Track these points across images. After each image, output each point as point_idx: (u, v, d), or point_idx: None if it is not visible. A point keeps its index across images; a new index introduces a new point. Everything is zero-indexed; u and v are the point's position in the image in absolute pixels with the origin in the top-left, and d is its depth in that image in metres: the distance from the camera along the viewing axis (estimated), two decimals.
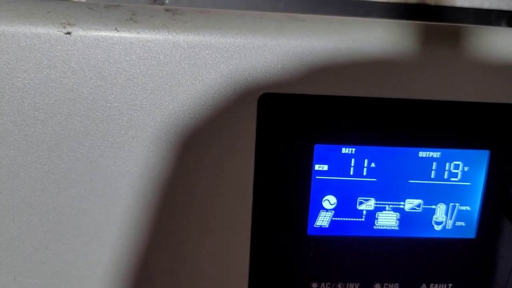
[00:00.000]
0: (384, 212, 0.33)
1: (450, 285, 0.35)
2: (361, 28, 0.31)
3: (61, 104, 0.29)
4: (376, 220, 0.33)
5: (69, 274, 0.32)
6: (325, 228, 0.33)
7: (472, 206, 0.33)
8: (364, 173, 0.32)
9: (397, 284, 0.34)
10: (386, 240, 0.33)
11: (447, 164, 0.33)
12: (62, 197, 0.30)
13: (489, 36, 0.32)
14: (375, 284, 0.34)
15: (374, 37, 0.30)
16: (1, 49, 0.28)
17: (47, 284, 0.32)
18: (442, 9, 0.47)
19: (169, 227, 0.31)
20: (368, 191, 0.33)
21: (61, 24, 0.29)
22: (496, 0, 0.45)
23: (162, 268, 0.32)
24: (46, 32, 0.28)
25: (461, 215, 0.33)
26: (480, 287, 0.35)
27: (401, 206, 0.33)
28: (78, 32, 0.29)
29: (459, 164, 0.33)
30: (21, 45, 0.28)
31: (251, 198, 0.31)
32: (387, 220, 0.33)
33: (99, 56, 0.29)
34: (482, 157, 0.33)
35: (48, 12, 0.29)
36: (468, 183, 0.33)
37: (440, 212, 0.33)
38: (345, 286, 0.34)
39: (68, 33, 0.29)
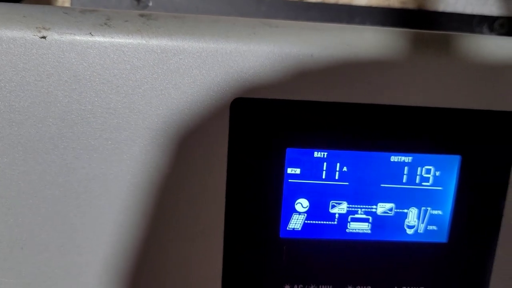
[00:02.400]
0: (356, 215, 0.33)
1: None
2: (333, 35, 0.31)
3: (36, 107, 0.30)
4: (348, 224, 0.33)
5: (45, 275, 0.32)
6: (297, 231, 0.33)
7: (444, 211, 0.34)
8: (337, 177, 0.33)
9: (369, 287, 0.34)
10: (358, 244, 0.34)
11: (419, 168, 0.33)
12: (37, 198, 0.31)
13: (463, 43, 0.32)
14: (347, 286, 0.34)
15: (346, 44, 0.31)
16: None
17: (22, 284, 0.32)
18: (425, 14, 0.47)
19: (141, 229, 0.32)
20: (340, 194, 0.33)
21: (37, 28, 0.29)
22: (478, 6, 0.46)
23: (136, 268, 0.32)
24: (21, 36, 0.29)
25: (433, 219, 0.34)
26: None
27: (373, 210, 0.33)
28: (53, 36, 0.29)
29: (430, 169, 0.33)
30: None
31: (224, 201, 0.32)
32: (359, 223, 0.34)
33: (73, 60, 0.29)
34: (453, 162, 0.33)
35: (24, 16, 0.30)
36: (440, 188, 0.33)
37: (412, 216, 0.34)
38: None
39: (43, 37, 0.29)
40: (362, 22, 0.47)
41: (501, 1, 0.46)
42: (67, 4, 0.46)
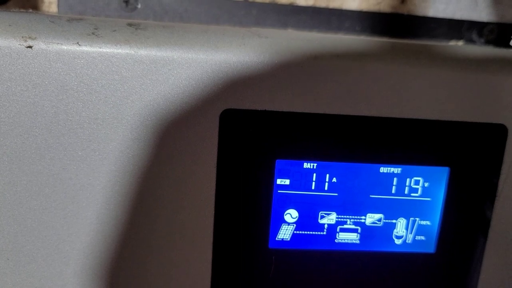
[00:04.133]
0: (345, 226, 0.33)
1: None
2: (323, 45, 0.31)
3: (23, 117, 0.29)
4: (337, 234, 0.33)
5: (31, 285, 0.32)
6: (286, 242, 0.33)
7: (432, 221, 0.34)
8: (326, 188, 0.33)
9: None
10: (347, 254, 0.34)
11: (408, 179, 0.33)
12: (24, 209, 0.31)
13: (450, 54, 0.32)
14: None
15: (336, 55, 0.31)
16: None
17: None
18: (415, 19, 0.47)
19: (131, 241, 0.32)
20: (329, 205, 0.33)
21: (23, 37, 0.29)
22: (467, 11, 0.46)
23: (124, 280, 0.32)
24: (7, 45, 0.28)
25: (421, 230, 0.34)
26: None
27: (362, 220, 0.33)
28: (40, 46, 0.29)
29: (419, 180, 0.33)
30: None
31: (213, 212, 0.32)
32: (348, 234, 0.34)
33: (60, 70, 0.29)
34: (442, 173, 0.33)
35: (10, 25, 0.29)
36: (428, 199, 0.33)
37: (400, 226, 0.34)
38: None
39: (30, 46, 0.28)
40: (352, 26, 0.46)
41: (490, 7, 0.46)
42: (54, 5, 0.45)
